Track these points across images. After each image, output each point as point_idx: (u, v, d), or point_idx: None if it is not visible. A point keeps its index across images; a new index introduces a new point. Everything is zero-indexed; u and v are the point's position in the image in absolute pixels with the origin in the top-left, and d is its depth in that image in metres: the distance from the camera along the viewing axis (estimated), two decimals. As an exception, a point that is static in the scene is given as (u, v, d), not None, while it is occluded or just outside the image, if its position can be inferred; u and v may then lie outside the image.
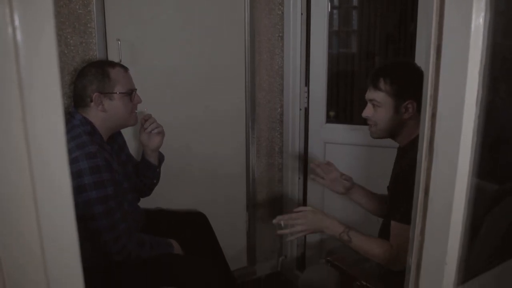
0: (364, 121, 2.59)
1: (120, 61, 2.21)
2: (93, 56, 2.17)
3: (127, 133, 2.27)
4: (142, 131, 2.17)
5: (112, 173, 1.82)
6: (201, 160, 2.70)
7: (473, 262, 1.13)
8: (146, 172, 2.24)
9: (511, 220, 1.38)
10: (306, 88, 2.84)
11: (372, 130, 1.80)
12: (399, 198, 1.66)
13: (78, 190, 1.70)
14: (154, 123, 2.16)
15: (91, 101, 1.86)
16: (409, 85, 1.67)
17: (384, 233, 1.85)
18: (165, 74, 2.48)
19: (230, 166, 2.84)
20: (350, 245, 1.73)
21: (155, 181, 2.29)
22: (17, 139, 0.56)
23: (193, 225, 2.35)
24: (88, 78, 1.87)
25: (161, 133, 2.18)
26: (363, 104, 1.83)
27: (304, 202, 3.00)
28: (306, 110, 2.87)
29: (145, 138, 2.18)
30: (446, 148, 0.88)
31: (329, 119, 2.85)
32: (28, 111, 0.56)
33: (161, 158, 2.30)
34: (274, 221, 1.83)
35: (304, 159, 2.96)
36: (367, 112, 1.78)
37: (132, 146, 2.36)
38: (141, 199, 2.23)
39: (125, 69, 1.96)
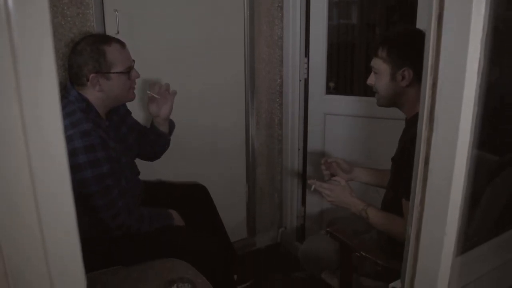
0: (363, 92, 2.61)
1: (118, 32, 2.19)
2: (90, 28, 2.14)
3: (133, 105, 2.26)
4: (150, 103, 2.15)
5: (107, 151, 1.79)
6: (200, 132, 2.69)
7: (472, 232, 1.13)
8: (158, 141, 2.24)
9: (511, 191, 1.39)
10: (305, 59, 2.82)
11: (376, 98, 1.83)
12: (408, 176, 1.66)
13: (73, 169, 1.65)
14: (159, 85, 2.15)
15: (88, 80, 1.81)
16: (405, 53, 1.69)
17: (387, 206, 1.86)
18: (163, 46, 2.45)
19: (229, 137, 2.84)
20: (369, 222, 1.83)
21: (166, 147, 2.31)
22: (12, 111, 0.55)
23: (193, 197, 2.36)
24: (83, 58, 1.81)
25: (170, 100, 2.17)
26: (363, 75, 1.84)
27: (304, 174, 3.01)
28: (306, 81, 2.86)
29: (155, 109, 2.16)
30: (446, 118, 0.87)
31: (329, 90, 2.83)
32: (22, 82, 0.55)
33: (171, 125, 2.29)
34: (308, 182, 2.01)
35: (304, 130, 2.96)
36: (369, 80, 1.81)
37: (139, 116, 2.36)
38: (141, 172, 2.23)
39: (122, 44, 1.90)
